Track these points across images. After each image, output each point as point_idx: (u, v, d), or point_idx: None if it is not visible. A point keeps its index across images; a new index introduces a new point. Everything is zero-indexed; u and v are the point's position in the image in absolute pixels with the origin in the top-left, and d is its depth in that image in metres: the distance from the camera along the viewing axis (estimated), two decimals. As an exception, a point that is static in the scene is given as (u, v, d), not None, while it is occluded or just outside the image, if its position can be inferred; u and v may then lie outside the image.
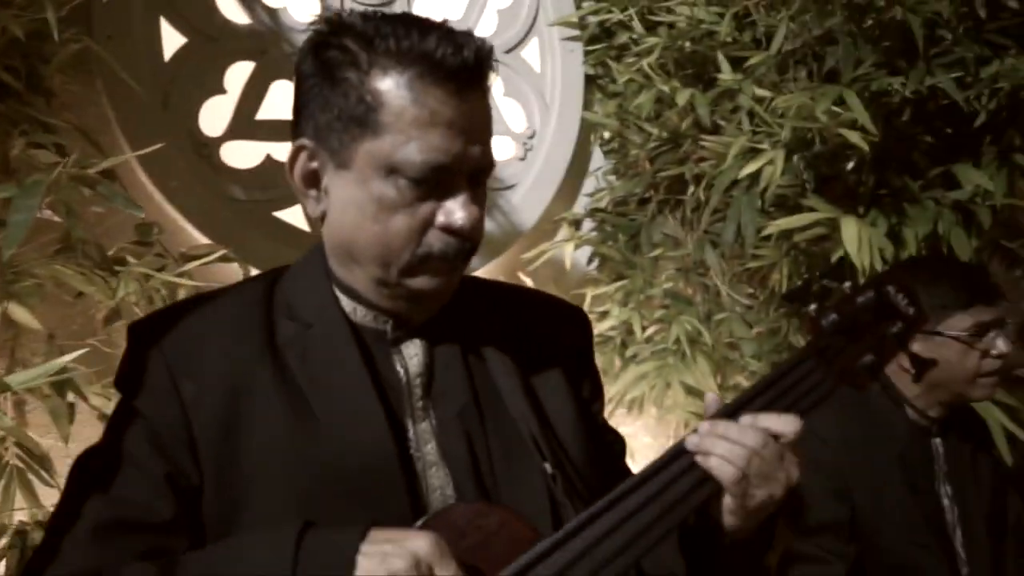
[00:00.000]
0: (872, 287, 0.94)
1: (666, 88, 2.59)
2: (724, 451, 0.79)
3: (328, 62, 0.83)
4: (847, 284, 0.96)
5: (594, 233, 2.96)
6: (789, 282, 2.41)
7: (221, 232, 2.33)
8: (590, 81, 3.02)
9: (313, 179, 0.87)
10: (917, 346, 1.34)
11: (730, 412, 0.82)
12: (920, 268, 1.55)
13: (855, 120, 2.11)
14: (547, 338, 0.98)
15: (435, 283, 0.86)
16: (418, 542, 0.70)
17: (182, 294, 1.94)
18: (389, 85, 0.80)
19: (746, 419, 0.81)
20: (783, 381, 0.85)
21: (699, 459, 0.80)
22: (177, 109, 2.39)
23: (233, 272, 2.22)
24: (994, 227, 2.45)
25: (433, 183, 0.82)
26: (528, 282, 2.76)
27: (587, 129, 3.04)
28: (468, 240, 0.85)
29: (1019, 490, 1.57)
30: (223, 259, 2.09)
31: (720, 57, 2.55)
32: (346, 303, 0.90)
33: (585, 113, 3.00)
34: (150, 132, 2.26)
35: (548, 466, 0.86)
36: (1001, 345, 1.40)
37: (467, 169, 0.84)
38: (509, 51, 2.89)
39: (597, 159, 3.11)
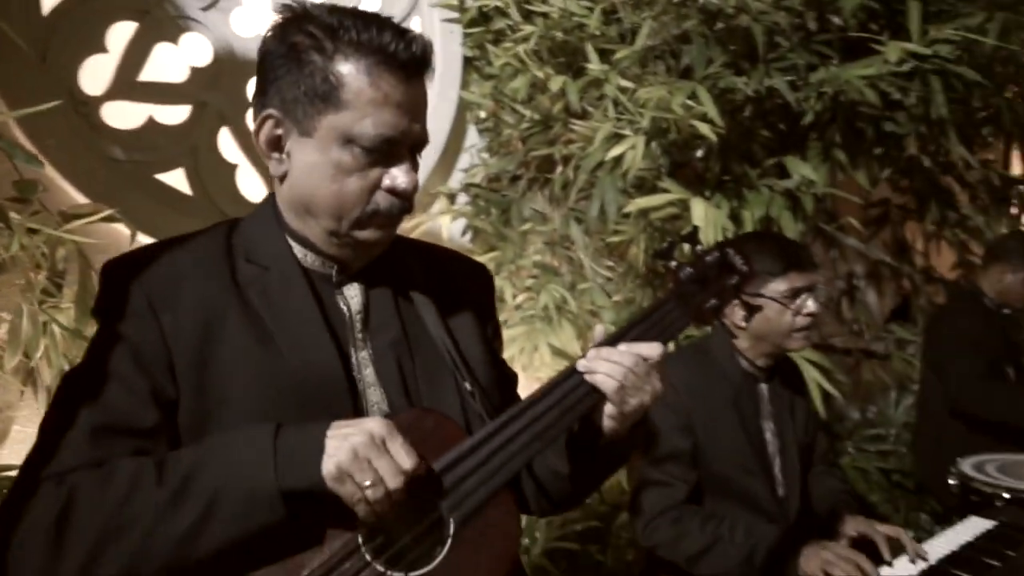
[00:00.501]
0: (717, 249, 1.17)
1: (540, 74, 2.79)
2: (607, 369, 0.99)
3: (296, 46, 0.96)
4: (699, 247, 1.19)
5: (468, 207, 3.14)
6: (645, 256, 2.68)
7: (100, 192, 2.32)
8: (467, 62, 3.19)
9: (277, 144, 1.00)
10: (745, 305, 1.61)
11: (611, 341, 1.03)
12: (750, 239, 1.82)
13: (705, 113, 2.38)
14: (460, 285, 1.16)
15: (378, 235, 1.02)
16: (372, 423, 0.86)
17: (62, 252, 1.95)
18: (350, 69, 0.94)
19: (623, 346, 1.02)
20: (651, 318, 1.07)
21: (587, 376, 1.00)
22: (56, 65, 2.35)
23: (115, 232, 2.23)
24: (816, 213, 2.82)
25: (382, 152, 0.97)
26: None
27: (463, 108, 3.21)
28: (408, 200, 1.01)
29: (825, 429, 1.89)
30: (108, 219, 2.09)
31: (589, 48, 2.77)
32: (298, 250, 1.04)
33: (462, 92, 3.17)
34: (28, 88, 2.22)
35: (468, 384, 1.03)
36: (811, 305, 1.70)
37: (409, 142, 1.00)
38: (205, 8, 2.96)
39: (472, 137, 3.28)
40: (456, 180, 3.23)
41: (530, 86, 2.87)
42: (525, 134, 3.07)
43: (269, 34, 0.98)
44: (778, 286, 1.64)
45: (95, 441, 0.88)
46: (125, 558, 0.82)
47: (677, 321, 1.08)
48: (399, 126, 0.96)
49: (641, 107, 2.48)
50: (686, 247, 1.18)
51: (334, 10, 0.96)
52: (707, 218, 2.35)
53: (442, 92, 3.13)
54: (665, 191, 2.52)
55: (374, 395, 1.00)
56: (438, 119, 3.11)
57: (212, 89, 2.61)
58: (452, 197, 3.18)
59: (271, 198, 1.06)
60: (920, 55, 2.48)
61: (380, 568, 0.85)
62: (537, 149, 2.98)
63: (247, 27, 2.69)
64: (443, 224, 3.05)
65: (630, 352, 1.00)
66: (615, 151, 2.39)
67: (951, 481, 2.22)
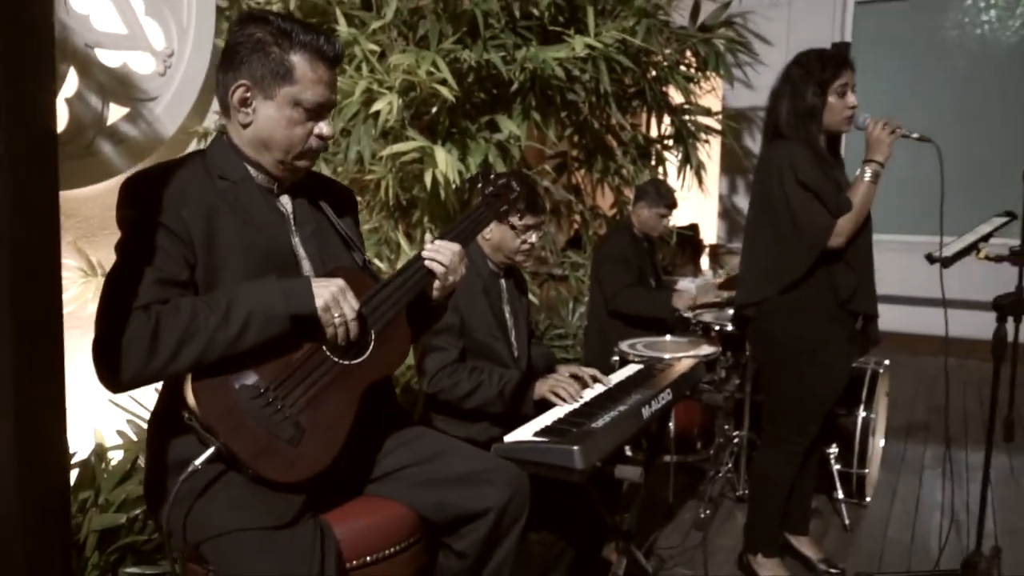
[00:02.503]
0: (505, 176, 1.82)
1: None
2: (438, 257, 1.58)
3: (261, 40, 1.44)
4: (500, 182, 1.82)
5: (223, 146, 3.46)
6: (391, 192, 3.26)
7: None
8: (220, 12, 3.48)
9: (245, 103, 1.48)
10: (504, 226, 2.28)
11: (440, 237, 1.63)
12: (523, 179, 2.44)
13: (444, 79, 3.02)
14: (341, 198, 1.70)
15: (309, 164, 1.55)
16: (338, 279, 1.40)
17: None
18: (299, 60, 1.46)
19: (446, 243, 1.61)
20: (467, 219, 1.69)
21: (426, 262, 1.59)
22: None
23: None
24: (520, 160, 3.62)
25: (315, 112, 1.49)
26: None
27: (218, 54, 3.49)
28: (327, 142, 1.54)
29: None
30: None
31: (338, 12, 3.25)
32: (252, 171, 1.52)
33: (217, 40, 3.45)
34: None
35: (358, 257, 1.59)
36: (533, 238, 2.44)
37: (329, 106, 1.52)
38: (152, -27, 3.19)
39: (223, 81, 3.58)
40: (211, 120, 3.52)
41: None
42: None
43: (237, 28, 1.44)
44: (516, 221, 2.34)
45: (157, 287, 1.33)
46: (195, 354, 1.29)
47: (483, 222, 1.73)
48: (326, 96, 1.50)
49: (392, 70, 3.05)
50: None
51: (286, 19, 1.45)
52: (447, 162, 3.01)
53: (197, 40, 3.39)
54: (411, 139, 3.13)
55: (305, 265, 1.53)
56: (194, 65, 3.37)
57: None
58: (206, 136, 3.48)
59: (225, 138, 1.53)
60: (593, 46, 3.35)
61: (335, 359, 1.41)
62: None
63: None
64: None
65: (451, 245, 1.62)
66: (378, 106, 2.94)
67: (615, 358, 3.16)
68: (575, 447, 1.73)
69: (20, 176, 0.96)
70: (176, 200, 1.38)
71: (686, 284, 3.96)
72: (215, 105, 3.56)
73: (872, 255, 2.50)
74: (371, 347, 1.47)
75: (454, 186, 3.17)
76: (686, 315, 3.64)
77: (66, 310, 2.82)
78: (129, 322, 1.26)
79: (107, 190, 3.12)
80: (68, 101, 2.96)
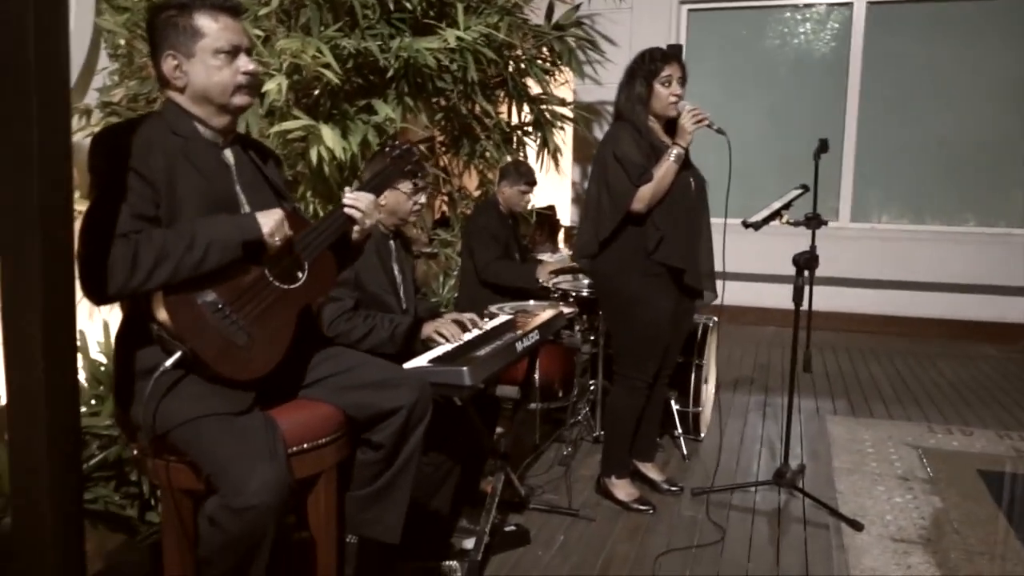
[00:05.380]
0: (407, 143, 2.15)
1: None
2: (357, 204, 1.89)
3: (169, 17, 1.72)
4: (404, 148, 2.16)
5: (104, 122, 3.58)
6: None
7: None
8: (99, -3, 3.60)
9: (177, 68, 1.73)
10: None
11: (359, 188, 1.95)
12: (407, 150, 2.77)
13: (328, 63, 3.30)
14: (268, 155, 1.98)
15: (246, 100, 1.81)
16: (279, 212, 1.69)
17: None
18: (202, 18, 1.73)
19: (362, 193, 1.93)
20: (379, 175, 2.01)
21: (346, 209, 1.91)
22: None
23: None
24: (392, 140, 3.93)
25: (231, 54, 1.76)
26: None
27: (98, 34, 3.61)
28: (255, 77, 1.81)
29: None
30: None
31: None
32: (200, 128, 1.77)
33: (97, 20, 3.57)
34: None
35: (288, 206, 1.88)
36: (422, 199, 2.78)
37: (241, 48, 1.79)
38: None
39: (103, 61, 3.69)
40: (91, 98, 3.63)
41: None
42: (161, 63, 3.62)
43: (151, 18, 1.75)
44: (403, 187, 2.67)
45: (133, 220, 1.57)
46: (166, 274, 1.55)
47: (391, 178, 2.07)
48: (236, 39, 1.78)
49: (279, 54, 3.30)
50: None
51: None
52: (333, 139, 3.29)
53: (79, 16, 3.50)
54: (297, 118, 3.39)
55: (245, 208, 1.81)
56: (75, 43, 3.47)
57: None
58: (88, 113, 3.59)
59: (171, 102, 1.78)
60: (462, 39, 3.72)
61: (275, 283, 1.71)
62: (175, 77, 3.57)
63: None
64: (78, 138, 3.46)
65: (365, 196, 1.95)
66: (269, 86, 3.18)
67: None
68: (464, 368, 2.11)
69: (47, 178, 1.24)
70: (143, 151, 1.64)
71: (546, 257, 4.42)
72: (95, 82, 3.67)
73: (690, 224, 2.99)
74: (304, 275, 1.78)
75: (336, 163, 3.45)
76: (547, 284, 4.09)
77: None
78: (112, 247, 1.51)
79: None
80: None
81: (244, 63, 1.79)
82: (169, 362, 1.57)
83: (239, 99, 1.81)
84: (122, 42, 3.63)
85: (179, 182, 1.68)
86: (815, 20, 6.65)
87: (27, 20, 1.20)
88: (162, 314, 1.56)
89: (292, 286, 1.76)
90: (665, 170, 2.84)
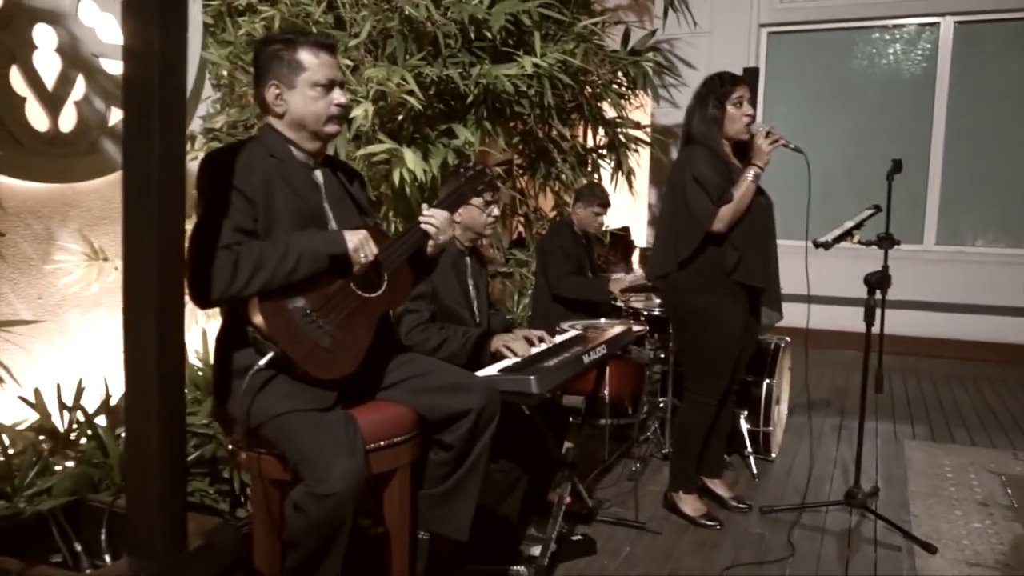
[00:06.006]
0: (480, 164, 2.30)
1: (281, 47, 3.64)
2: (432, 221, 2.05)
3: (275, 51, 1.91)
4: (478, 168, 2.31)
5: (207, 147, 3.86)
6: (369, 188, 3.70)
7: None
8: (207, 27, 3.89)
9: (278, 97, 1.92)
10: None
11: (433, 207, 2.10)
12: (486, 170, 2.93)
13: (412, 90, 3.49)
14: (356, 178, 2.17)
15: (336, 129, 1.99)
16: (363, 232, 1.85)
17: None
18: (305, 54, 1.92)
19: (436, 211, 2.08)
20: (453, 194, 2.16)
21: (423, 225, 2.06)
22: None
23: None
24: (467, 161, 4.09)
25: (327, 88, 1.94)
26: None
27: (203, 66, 3.90)
28: (347, 109, 2.00)
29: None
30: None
31: (315, 31, 3.69)
32: (294, 151, 1.96)
33: (204, 52, 3.86)
34: None
35: (371, 221, 2.05)
36: (496, 211, 2.91)
37: (336, 82, 1.97)
38: (147, -6, 3.59)
39: (207, 90, 3.98)
40: (195, 125, 3.92)
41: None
42: (259, 92, 3.89)
43: (256, 51, 1.95)
44: (477, 201, 2.82)
45: (234, 233, 1.76)
46: (263, 281, 1.73)
47: (465, 196, 2.22)
48: (332, 74, 1.97)
49: (366, 82, 3.51)
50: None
51: (286, 32, 1.97)
52: (415, 162, 3.48)
53: (189, 48, 3.79)
54: (381, 142, 3.58)
55: (332, 224, 1.98)
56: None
57: (3, 30, 3.04)
58: (193, 139, 3.87)
59: (269, 127, 1.97)
60: (539, 65, 3.86)
61: (359, 292, 1.87)
62: (271, 105, 3.83)
63: (27, -22, 3.14)
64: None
65: (440, 213, 2.10)
66: (356, 112, 3.39)
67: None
68: (532, 376, 2.22)
69: (166, 145, 1.41)
70: (243, 171, 1.83)
71: (620, 275, 4.50)
72: (199, 110, 3.96)
73: (766, 244, 3.04)
74: (384, 285, 1.94)
75: (417, 184, 3.64)
76: (618, 304, 4.17)
77: (71, 291, 3.20)
78: (216, 257, 1.70)
79: (107, 184, 3.49)
80: (76, 104, 3.33)
81: (337, 96, 1.98)
82: (263, 361, 1.73)
83: (331, 127, 1.99)
84: (224, 73, 3.91)
85: (274, 199, 1.86)
86: (904, 41, 6.56)
87: (153, 50, 1.38)
88: (257, 318, 1.73)
89: (372, 295, 1.92)
90: (744, 190, 2.90)
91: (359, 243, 1.85)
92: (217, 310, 1.95)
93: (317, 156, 2.03)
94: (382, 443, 1.87)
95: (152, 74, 1.40)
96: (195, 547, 1.57)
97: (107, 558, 1.69)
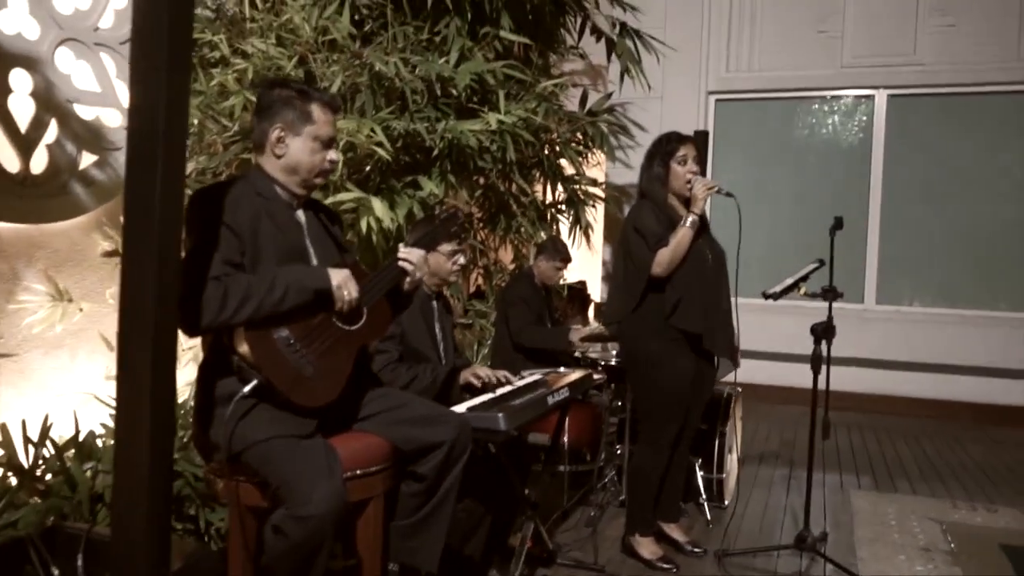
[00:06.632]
0: (453, 207, 2.42)
1: (252, 97, 3.75)
2: (409, 258, 2.15)
3: (288, 97, 2.01)
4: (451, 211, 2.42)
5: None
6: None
7: None
8: (179, 78, 3.97)
9: (281, 141, 2.02)
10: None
11: (409, 244, 2.20)
12: (455, 218, 3.03)
13: (380, 142, 3.62)
14: (333, 218, 2.25)
15: (322, 181, 2.10)
16: (345, 269, 1.93)
17: None
18: (315, 108, 2.03)
19: (412, 249, 2.19)
20: (428, 234, 2.27)
21: (400, 262, 2.15)
22: None
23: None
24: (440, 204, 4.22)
25: (326, 144, 2.05)
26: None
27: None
28: (335, 165, 2.11)
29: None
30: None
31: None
32: (279, 191, 2.05)
33: (174, 102, 3.94)
34: None
35: (349, 259, 2.13)
36: (461, 260, 3.02)
37: (334, 140, 2.09)
38: (123, 43, 3.69)
39: (176, 137, 4.05)
40: (164, 171, 3.97)
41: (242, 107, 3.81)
42: (228, 141, 3.98)
43: (267, 90, 2.03)
44: (445, 248, 2.93)
45: (223, 265, 1.83)
46: (250, 311, 1.79)
47: (439, 237, 2.33)
48: (333, 132, 2.09)
49: (338, 132, 3.61)
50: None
51: (298, 82, 2.06)
52: (383, 211, 3.58)
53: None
54: (349, 191, 3.69)
55: (313, 260, 2.06)
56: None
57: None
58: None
59: (259, 168, 2.07)
60: (502, 122, 4.04)
61: (339, 324, 1.95)
62: (240, 153, 3.92)
63: (7, 26, 3.21)
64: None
65: (416, 252, 2.20)
66: (327, 160, 3.49)
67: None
68: (500, 414, 2.31)
69: (167, 180, 1.50)
70: (233, 207, 1.91)
71: (578, 326, 4.62)
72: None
73: (710, 292, 3.17)
74: (363, 319, 2.02)
75: (383, 233, 3.74)
76: (576, 355, 4.28)
77: (34, 331, 3.20)
78: (206, 288, 1.77)
79: (74, 226, 3.52)
80: (48, 147, 3.38)
81: (332, 154, 2.11)
82: (247, 388, 1.79)
83: (319, 179, 2.12)
84: (195, 122, 3.99)
85: (260, 235, 1.94)
86: (842, 111, 6.96)
87: (160, 95, 1.48)
88: (243, 347, 1.79)
89: (353, 328, 2.00)
90: (681, 236, 3.06)
91: (342, 281, 1.94)
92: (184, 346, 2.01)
93: (300, 198, 2.13)
94: (358, 472, 1.93)
95: (158, 118, 1.49)
96: (176, 569, 1.60)
97: (83, 584, 1.70)
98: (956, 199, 6.61)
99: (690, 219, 3.09)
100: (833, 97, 6.94)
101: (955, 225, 6.62)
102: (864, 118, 6.88)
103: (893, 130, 6.76)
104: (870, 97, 6.82)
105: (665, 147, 3.18)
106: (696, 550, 3.36)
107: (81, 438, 2.61)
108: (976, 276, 6.60)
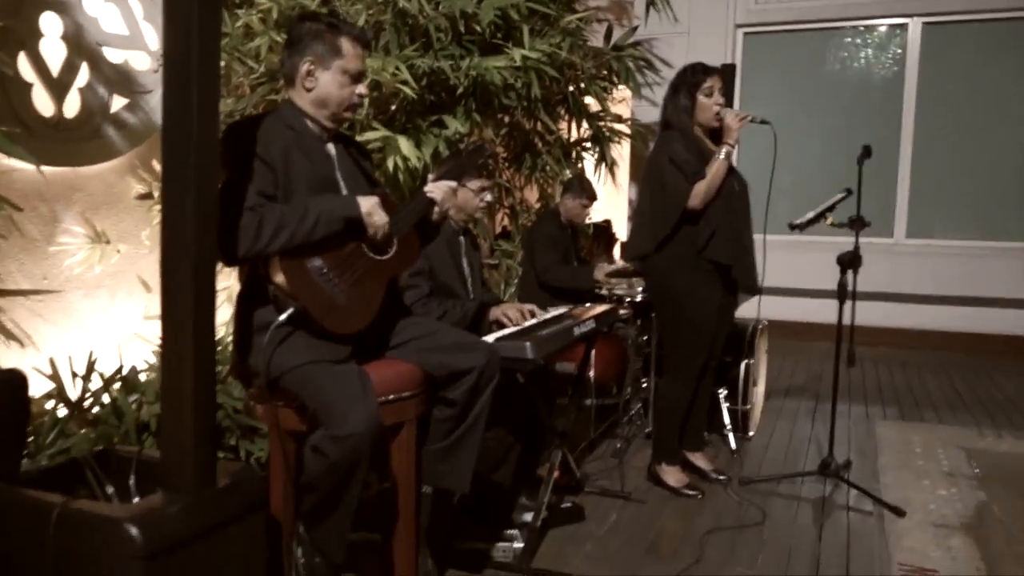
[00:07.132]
0: (481, 141, 2.44)
1: (278, 38, 3.76)
2: (436, 189, 2.19)
3: (318, 30, 2.03)
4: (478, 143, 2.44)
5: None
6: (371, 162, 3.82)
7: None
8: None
9: (311, 74, 2.05)
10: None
11: (436, 177, 2.24)
12: (484, 149, 3.04)
13: (405, 80, 3.62)
14: (363, 152, 2.30)
15: (352, 116, 2.14)
16: (375, 197, 1.99)
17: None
18: (346, 42, 2.05)
19: (442, 182, 2.22)
20: (456, 166, 2.30)
21: (428, 193, 2.19)
22: None
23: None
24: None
25: (355, 78, 2.08)
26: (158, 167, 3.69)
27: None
28: (364, 99, 2.14)
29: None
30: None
31: (310, 23, 3.81)
32: (310, 124, 2.09)
33: (200, 44, 3.96)
34: None
35: (380, 191, 2.18)
36: (489, 196, 3.05)
37: (363, 74, 2.12)
38: (149, -15, 3.70)
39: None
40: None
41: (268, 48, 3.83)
42: (255, 82, 4.01)
43: (297, 23, 2.05)
44: (471, 184, 2.96)
45: (258, 197, 1.89)
46: (284, 240, 1.85)
47: (467, 169, 2.36)
48: (362, 67, 2.11)
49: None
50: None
51: (329, 16, 2.07)
52: (408, 149, 3.61)
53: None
54: (376, 130, 3.71)
55: (344, 192, 2.11)
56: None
57: (13, 18, 3.14)
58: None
59: (290, 101, 2.10)
60: (527, 57, 4.02)
61: (370, 254, 2.01)
62: (267, 95, 3.95)
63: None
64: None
65: (445, 183, 2.24)
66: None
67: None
68: (527, 343, 2.37)
69: (202, 187, 1.56)
70: (265, 141, 1.96)
71: (603, 265, 4.65)
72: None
73: (738, 223, 3.19)
74: (394, 249, 2.08)
75: (409, 172, 3.77)
76: (602, 292, 4.32)
77: (75, 272, 3.30)
78: (241, 218, 1.83)
79: (108, 169, 3.59)
80: (80, 90, 3.43)
81: (361, 88, 2.13)
82: (283, 316, 1.86)
83: (348, 114, 2.15)
84: (222, 64, 4.01)
85: (293, 167, 1.99)
86: (875, 43, 6.79)
87: (192, 31, 1.52)
88: (279, 276, 1.86)
89: (383, 257, 2.06)
90: (717, 167, 3.06)
91: (371, 207, 1.99)
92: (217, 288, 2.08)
93: (329, 132, 2.16)
94: (391, 397, 2.01)
95: (191, 52, 1.53)
96: (223, 485, 1.70)
97: (136, 500, 1.81)
98: (989, 129, 6.46)
99: (724, 151, 3.09)
100: (866, 28, 6.77)
101: (988, 156, 6.49)
102: (898, 50, 6.71)
103: (927, 59, 6.59)
104: (903, 26, 6.65)
105: (691, 78, 3.15)
106: (721, 477, 3.43)
107: (124, 372, 2.72)
108: (1009, 207, 6.49)
